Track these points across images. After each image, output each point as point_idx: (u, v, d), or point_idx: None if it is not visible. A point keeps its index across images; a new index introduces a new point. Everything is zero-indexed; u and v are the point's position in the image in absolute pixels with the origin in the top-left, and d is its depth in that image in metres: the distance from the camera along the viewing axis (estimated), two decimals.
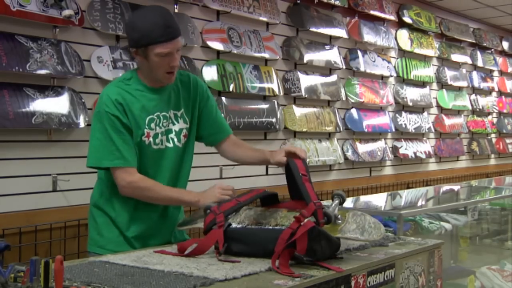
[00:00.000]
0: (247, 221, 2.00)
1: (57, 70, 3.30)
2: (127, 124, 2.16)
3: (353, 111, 5.62)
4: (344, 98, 5.49)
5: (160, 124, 2.23)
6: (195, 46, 4.19)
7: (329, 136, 5.32)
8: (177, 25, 2.20)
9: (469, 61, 7.48)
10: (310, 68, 5.16)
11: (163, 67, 2.17)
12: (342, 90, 5.48)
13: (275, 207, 2.07)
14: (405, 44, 6.32)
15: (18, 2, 3.14)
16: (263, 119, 4.60)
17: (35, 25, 3.30)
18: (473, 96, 7.58)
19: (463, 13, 7.42)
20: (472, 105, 7.52)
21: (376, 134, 5.90)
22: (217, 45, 4.29)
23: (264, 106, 4.65)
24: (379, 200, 4.32)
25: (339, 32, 5.40)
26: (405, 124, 6.26)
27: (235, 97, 4.45)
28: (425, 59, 6.71)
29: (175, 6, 4.07)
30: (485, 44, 7.77)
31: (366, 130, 5.67)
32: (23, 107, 3.17)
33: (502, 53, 8.33)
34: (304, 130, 4.96)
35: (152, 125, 2.21)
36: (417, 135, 6.52)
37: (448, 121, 7.03)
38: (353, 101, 5.55)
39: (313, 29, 5.09)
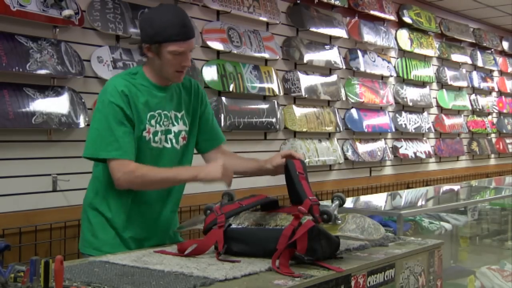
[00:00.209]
0: (247, 223, 2.00)
1: (57, 70, 3.30)
2: (130, 116, 2.14)
3: (353, 111, 5.62)
4: (344, 98, 5.50)
5: (161, 122, 2.22)
6: (195, 46, 4.18)
7: (329, 136, 5.33)
8: (192, 25, 2.23)
9: (469, 61, 7.49)
10: (310, 68, 5.16)
11: (174, 66, 2.18)
12: (342, 90, 5.48)
13: (275, 211, 2.07)
14: (405, 44, 6.32)
15: (18, 2, 3.15)
16: (263, 119, 4.60)
17: (35, 25, 3.30)
18: (473, 96, 7.58)
19: (463, 13, 7.42)
20: (472, 105, 7.52)
21: (376, 134, 5.90)
22: (217, 45, 4.29)
23: (264, 106, 4.65)
24: (379, 200, 4.32)
25: (339, 32, 5.40)
26: (405, 124, 6.27)
27: (235, 97, 4.45)
28: (425, 59, 6.71)
29: None
30: (485, 44, 7.77)
31: (366, 130, 5.67)
32: (23, 107, 3.17)
33: (502, 53, 8.33)
34: (304, 130, 4.96)
35: (153, 121, 2.20)
36: (417, 135, 6.52)
37: (448, 121, 7.03)
38: (353, 101, 5.55)
39: (313, 29, 5.10)
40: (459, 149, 7.20)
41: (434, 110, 6.89)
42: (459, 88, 7.34)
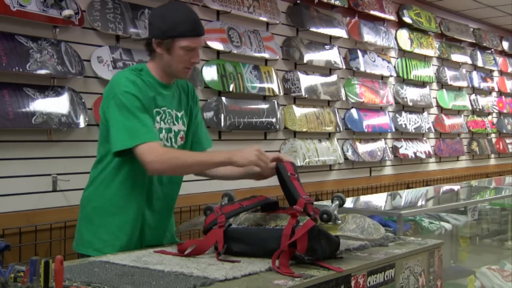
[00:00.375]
0: (247, 223, 2.00)
1: (57, 70, 3.30)
2: (146, 106, 2.14)
3: (353, 111, 5.62)
4: (344, 98, 5.50)
5: (165, 120, 2.22)
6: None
7: (329, 136, 5.33)
8: (201, 23, 2.25)
9: (469, 61, 7.49)
10: (310, 68, 5.16)
11: (184, 62, 2.19)
12: (342, 90, 5.48)
13: (275, 212, 2.08)
14: (405, 44, 6.32)
15: (18, 2, 3.15)
16: (263, 119, 4.60)
17: (35, 25, 3.30)
18: (473, 96, 7.58)
19: (463, 13, 7.42)
20: (472, 105, 7.52)
21: (376, 134, 5.90)
22: (217, 45, 4.29)
23: (264, 106, 4.65)
24: (379, 200, 4.32)
25: (339, 32, 5.40)
26: (405, 124, 6.27)
27: (235, 97, 4.45)
28: (425, 59, 6.71)
29: None
30: (485, 44, 7.77)
31: (366, 130, 5.67)
32: (23, 107, 3.17)
33: (502, 53, 8.33)
34: (304, 130, 4.96)
35: (158, 118, 2.20)
36: (417, 135, 6.52)
37: (448, 121, 7.03)
38: (353, 101, 5.55)
39: (313, 29, 5.10)
40: (459, 149, 7.21)
41: (434, 110, 6.89)
42: (459, 88, 7.34)
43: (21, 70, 3.15)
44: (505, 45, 8.31)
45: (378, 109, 5.99)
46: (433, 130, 6.75)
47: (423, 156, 6.48)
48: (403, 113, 6.31)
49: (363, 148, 5.66)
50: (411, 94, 6.40)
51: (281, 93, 4.80)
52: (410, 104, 6.35)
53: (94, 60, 3.55)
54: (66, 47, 3.40)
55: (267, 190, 2.25)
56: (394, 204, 4.22)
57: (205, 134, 2.47)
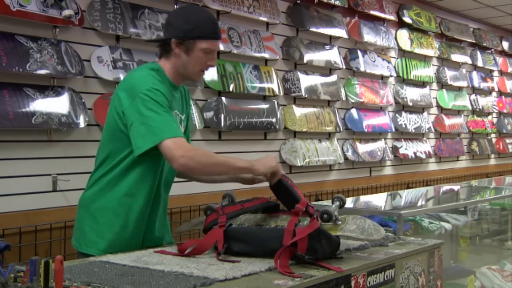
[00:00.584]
0: (247, 224, 2.01)
1: (57, 70, 3.31)
2: (170, 104, 2.14)
3: (353, 111, 5.62)
4: (344, 98, 5.50)
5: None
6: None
7: (329, 136, 5.33)
8: None
9: (469, 61, 7.49)
10: (310, 68, 5.16)
11: (201, 64, 2.20)
12: (342, 90, 5.48)
13: (276, 214, 2.08)
14: (405, 44, 6.32)
15: (18, 2, 3.15)
16: (263, 119, 4.60)
17: (35, 25, 3.30)
18: (473, 96, 7.58)
19: (463, 13, 7.42)
20: (472, 105, 7.52)
21: (376, 134, 5.90)
22: None
23: (264, 106, 4.65)
24: (379, 200, 4.32)
25: (339, 32, 5.40)
26: (405, 124, 6.27)
27: (235, 97, 4.45)
28: (425, 59, 6.71)
29: (175, 6, 4.07)
30: (485, 44, 7.77)
31: (366, 130, 5.67)
32: (23, 107, 3.17)
33: (502, 53, 8.33)
34: (304, 130, 4.96)
35: None
36: (417, 135, 6.52)
37: (448, 121, 7.03)
38: (353, 101, 5.55)
39: (313, 29, 5.10)
40: (459, 149, 7.21)
41: (434, 110, 6.89)
42: (459, 88, 7.34)
43: (21, 70, 3.15)
44: (505, 45, 8.31)
45: (378, 109, 5.99)
46: (433, 130, 6.75)
47: (423, 156, 6.49)
48: (403, 113, 6.31)
49: (363, 148, 5.66)
50: (411, 94, 6.40)
51: (281, 93, 4.80)
52: (410, 104, 6.35)
53: (94, 60, 3.55)
54: (66, 47, 3.40)
55: (267, 190, 2.25)
56: (394, 204, 4.22)
57: (189, 138, 2.48)
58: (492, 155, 8.00)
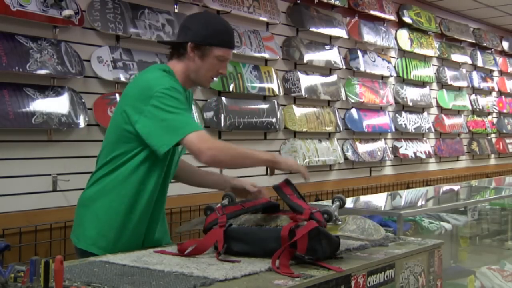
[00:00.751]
0: (247, 224, 2.01)
1: (57, 70, 3.31)
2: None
3: (353, 111, 5.62)
4: (344, 98, 5.50)
5: None
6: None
7: (329, 136, 5.33)
8: None
9: (469, 61, 7.49)
10: (310, 68, 5.16)
11: (213, 71, 2.24)
12: (342, 90, 5.48)
13: (276, 214, 2.08)
14: (405, 44, 6.33)
15: (18, 2, 3.15)
16: (263, 119, 4.60)
17: (35, 25, 3.30)
18: (473, 96, 7.58)
19: (463, 13, 7.42)
20: (472, 105, 7.52)
21: (376, 134, 5.90)
22: None
23: (264, 106, 4.65)
24: (379, 200, 4.32)
25: (339, 32, 5.40)
26: (405, 124, 6.27)
27: (235, 97, 4.45)
28: (425, 59, 6.71)
29: (175, 6, 4.07)
30: (485, 44, 7.77)
31: (366, 130, 5.67)
32: (23, 107, 3.17)
33: (502, 53, 8.33)
34: (304, 130, 4.96)
35: None
36: (417, 135, 6.52)
37: (448, 121, 7.03)
38: (353, 101, 5.55)
39: (313, 29, 5.10)
40: (459, 149, 7.21)
41: (434, 110, 6.89)
42: (459, 88, 7.34)
43: (21, 70, 3.15)
44: (505, 45, 8.31)
45: (378, 109, 5.99)
46: (433, 130, 6.75)
47: (423, 156, 6.49)
48: (403, 113, 6.31)
49: (363, 148, 5.66)
50: (411, 94, 6.40)
51: (281, 93, 4.80)
52: (410, 104, 6.35)
53: (94, 60, 3.55)
54: (66, 47, 3.40)
55: (268, 190, 2.25)
56: (394, 204, 4.22)
57: None
58: (492, 155, 8.00)
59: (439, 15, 7.04)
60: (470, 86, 7.52)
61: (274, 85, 4.71)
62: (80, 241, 2.21)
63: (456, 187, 5.22)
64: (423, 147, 6.52)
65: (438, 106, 6.96)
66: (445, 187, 5.35)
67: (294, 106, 4.95)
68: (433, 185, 6.13)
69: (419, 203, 4.48)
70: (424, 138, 6.62)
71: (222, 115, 4.26)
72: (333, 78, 5.38)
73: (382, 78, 6.04)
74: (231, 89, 4.35)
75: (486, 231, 4.80)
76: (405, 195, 4.57)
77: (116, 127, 2.19)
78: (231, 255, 1.90)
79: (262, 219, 2.03)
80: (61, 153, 3.41)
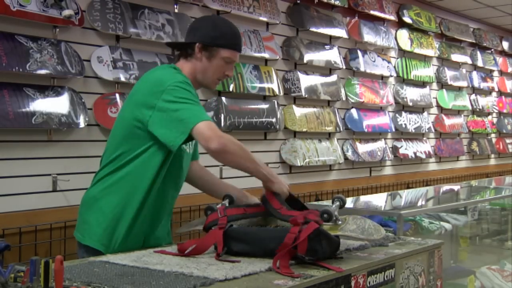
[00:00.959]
0: (247, 224, 2.01)
1: (57, 70, 3.31)
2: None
3: (353, 111, 5.62)
4: (344, 98, 5.50)
5: None
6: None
7: (329, 136, 5.33)
8: None
9: (469, 61, 7.49)
10: (310, 68, 5.16)
11: (219, 73, 2.26)
12: (342, 90, 5.48)
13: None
14: (405, 44, 6.32)
15: (18, 2, 3.15)
16: (263, 119, 4.60)
17: (35, 25, 3.30)
18: (473, 96, 7.58)
19: (463, 13, 7.42)
20: (472, 105, 7.52)
21: (376, 134, 5.90)
22: None
23: (264, 106, 4.65)
24: (379, 200, 4.32)
25: (339, 32, 5.40)
26: (405, 124, 6.27)
27: (235, 97, 4.45)
28: (425, 59, 6.71)
29: (175, 6, 4.07)
30: (485, 44, 7.77)
31: (366, 130, 5.67)
32: (23, 107, 3.17)
33: (502, 53, 8.33)
34: (304, 130, 4.96)
35: None
36: (417, 135, 6.52)
37: (448, 121, 7.03)
38: (353, 101, 5.55)
39: (313, 29, 5.10)
40: (459, 149, 7.21)
41: (434, 110, 6.89)
42: (459, 88, 7.34)
43: (21, 70, 3.15)
44: (505, 45, 8.31)
45: (378, 109, 5.99)
46: (433, 130, 6.75)
47: (423, 156, 6.49)
48: (403, 113, 6.31)
49: (363, 148, 5.66)
50: (411, 94, 6.40)
51: (281, 93, 4.80)
52: (410, 104, 6.35)
53: (94, 60, 3.55)
54: (66, 47, 3.40)
55: None
56: (394, 204, 4.22)
57: (197, 146, 2.48)
58: (492, 155, 8.00)
59: (439, 15, 7.03)
60: (470, 86, 7.52)
61: (274, 85, 4.71)
62: (85, 238, 2.21)
63: (456, 187, 5.22)
64: (423, 147, 6.52)
65: (438, 106, 6.96)
66: (445, 187, 5.35)
67: (294, 106, 4.95)
68: (433, 185, 6.13)
69: (419, 203, 4.49)
70: (424, 138, 6.62)
71: (222, 115, 4.26)
72: (333, 78, 5.38)
73: (382, 78, 6.04)
74: (231, 89, 4.35)
75: (486, 231, 4.80)
76: (405, 195, 4.57)
77: (123, 124, 2.20)
78: (231, 255, 1.90)
79: (262, 219, 2.03)
80: (61, 153, 3.41)
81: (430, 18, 6.77)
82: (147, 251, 2.05)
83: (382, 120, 5.95)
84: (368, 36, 5.78)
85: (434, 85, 6.92)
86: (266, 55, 4.66)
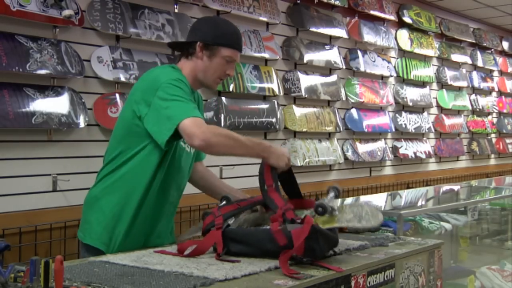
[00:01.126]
0: (246, 225, 2.01)
1: (57, 70, 3.31)
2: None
3: (353, 111, 5.62)
4: (344, 98, 5.50)
5: None
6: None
7: (329, 136, 5.33)
8: None
9: (469, 61, 7.49)
10: (310, 68, 5.16)
11: (220, 72, 2.26)
12: (342, 90, 5.48)
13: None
14: (405, 44, 6.33)
15: (18, 2, 3.15)
16: (263, 119, 4.60)
17: (35, 25, 3.30)
18: (473, 96, 7.58)
19: (463, 13, 7.42)
20: (472, 105, 7.52)
21: (376, 134, 5.90)
22: None
23: (264, 106, 4.65)
24: (379, 200, 4.32)
25: (339, 32, 5.40)
26: (405, 124, 6.27)
27: (235, 97, 4.45)
28: (425, 59, 6.71)
29: (175, 6, 4.07)
30: (485, 44, 7.77)
31: (366, 130, 5.67)
32: (23, 107, 3.17)
33: (502, 53, 8.33)
34: (304, 130, 4.96)
35: None
36: (417, 135, 6.52)
37: (448, 121, 7.03)
38: (353, 101, 5.55)
39: (313, 29, 5.10)
40: (459, 149, 7.21)
41: (434, 110, 6.89)
42: (459, 88, 7.34)
43: (21, 70, 3.15)
44: (505, 45, 8.31)
45: (378, 109, 5.99)
46: (433, 130, 6.75)
47: (423, 156, 6.49)
48: (403, 113, 6.31)
49: (363, 148, 5.66)
50: (411, 94, 6.40)
51: (281, 93, 4.80)
52: (410, 104, 6.35)
53: (94, 60, 3.55)
54: (66, 47, 3.40)
55: None
56: (394, 204, 4.22)
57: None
58: (492, 155, 8.00)
59: (439, 15, 7.04)
60: (470, 86, 7.52)
61: (274, 85, 4.71)
62: (86, 237, 2.23)
63: (456, 187, 5.21)
64: (423, 147, 6.52)
65: (438, 106, 6.96)
66: (445, 187, 5.35)
67: (294, 106, 4.95)
68: (433, 185, 6.13)
69: (419, 203, 4.48)
70: (424, 138, 6.62)
71: (222, 115, 4.26)
72: (333, 78, 5.38)
73: (382, 78, 6.04)
74: (231, 89, 4.35)
75: (486, 231, 4.80)
76: (405, 195, 4.56)
77: (124, 123, 2.21)
78: (229, 255, 1.90)
79: (260, 218, 2.03)
80: (61, 153, 3.41)
81: (430, 18, 6.77)
82: (147, 251, 2.05)
83: (382, 120, 5.95)
84: (368, 36, 5.78)
85: (434, 85, 6.92)
86: (266, 55, 4.66)
